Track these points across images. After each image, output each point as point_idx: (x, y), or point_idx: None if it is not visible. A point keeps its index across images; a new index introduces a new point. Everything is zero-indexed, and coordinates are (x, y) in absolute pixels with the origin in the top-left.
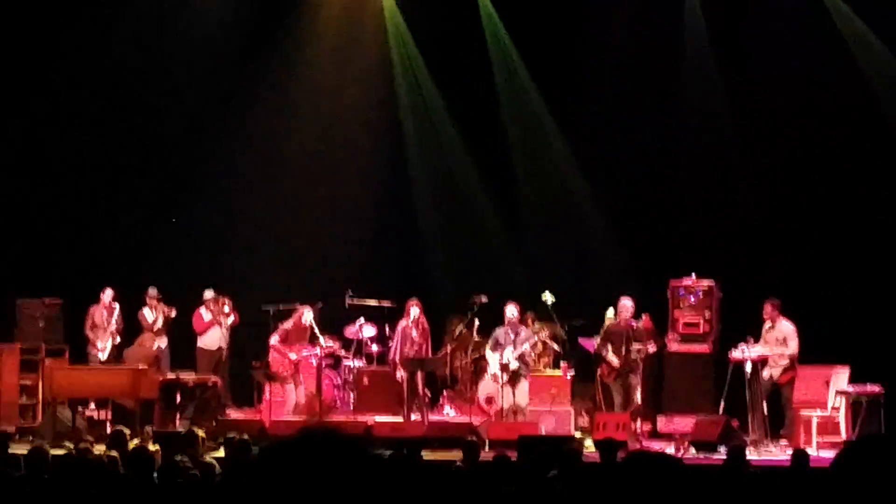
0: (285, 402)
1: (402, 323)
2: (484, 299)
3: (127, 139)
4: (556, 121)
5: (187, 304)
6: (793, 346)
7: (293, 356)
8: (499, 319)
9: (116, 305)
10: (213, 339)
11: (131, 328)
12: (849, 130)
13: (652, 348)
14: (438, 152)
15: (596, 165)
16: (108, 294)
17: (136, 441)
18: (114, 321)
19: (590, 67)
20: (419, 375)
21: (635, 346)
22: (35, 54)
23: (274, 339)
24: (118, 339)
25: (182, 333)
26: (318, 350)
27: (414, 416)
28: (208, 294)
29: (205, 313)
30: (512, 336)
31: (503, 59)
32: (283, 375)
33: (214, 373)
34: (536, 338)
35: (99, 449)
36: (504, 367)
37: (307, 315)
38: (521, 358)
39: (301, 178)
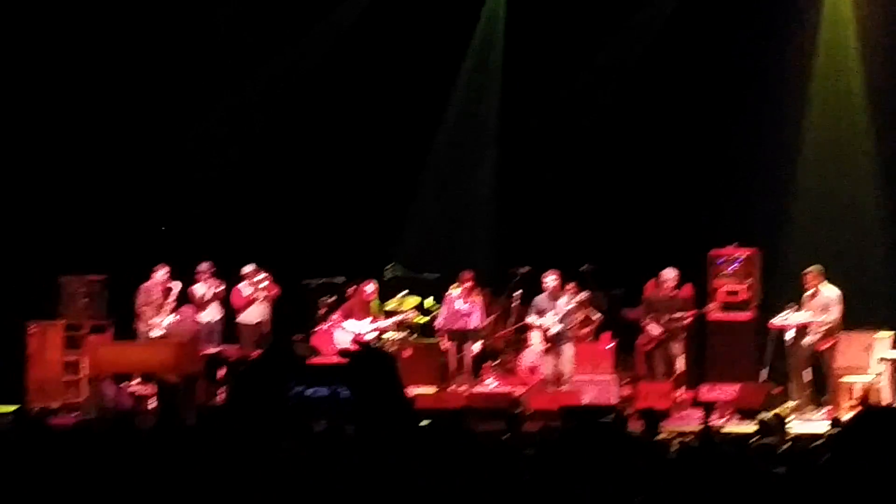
0: None
1: (451, 293)
2: (525, 269)
3: (164, 112)
4: (596, 88)
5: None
6: (834, 313)
7: (358, 329)
8: (540, 290)
9: (177, 284)
10: (253, 314)
11: (181, 303)
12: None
13: (688, 319)
14: (477, 124)
15: (636, 135)
16: (161, 272)
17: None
18: (171, 298)
19: (633, 37)
20: (467, 346)
21: (676, 315)
22: (77, 24)
23: (335, 316)
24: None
25: (228, 307)
26: (390, 321)
27: (459, 388)
28: (247, 269)
29: (244, 288)
30: (553, 304)
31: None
32: (328, 353)
33: (257, 347)
34: (577, 299)
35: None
36: (546, 335)
37: (371, 287)
38: (562, 321)
39: (343, 150)
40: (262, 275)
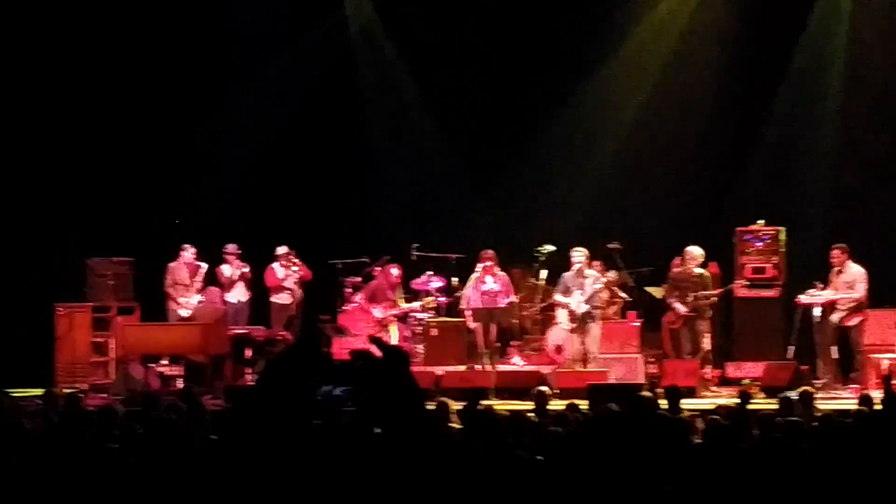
0: None
1: (475, 273)
2: (551, 248)
3: (188, 96)
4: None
5: (255, 261)
6: (860, 290)
7: (378, 314)
8: (566, 268)
9: (204, 265)
10: (284, 295)
11: (207, 284)
12: None
13: (714, 297)
14: (501, 99)
15: (662, 111)
16: (189, 252)
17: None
18: (199, 278)
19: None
20: (492, 326)
21: (702, 293)
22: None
23: (359, 298)
24: (203, 298)
25: (262, 288)
26: (412, 305)
27: (481, 368)
28: (281, 250)
29: (278, 269)
30: (580, 281)
31: None
32: (355, 332)
33: (287, 327)
34: (605, 279)
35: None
36: (572, 313)
37: (396, 271)
38: (590, 301)
39: (367, 131)
40: (295, 257)
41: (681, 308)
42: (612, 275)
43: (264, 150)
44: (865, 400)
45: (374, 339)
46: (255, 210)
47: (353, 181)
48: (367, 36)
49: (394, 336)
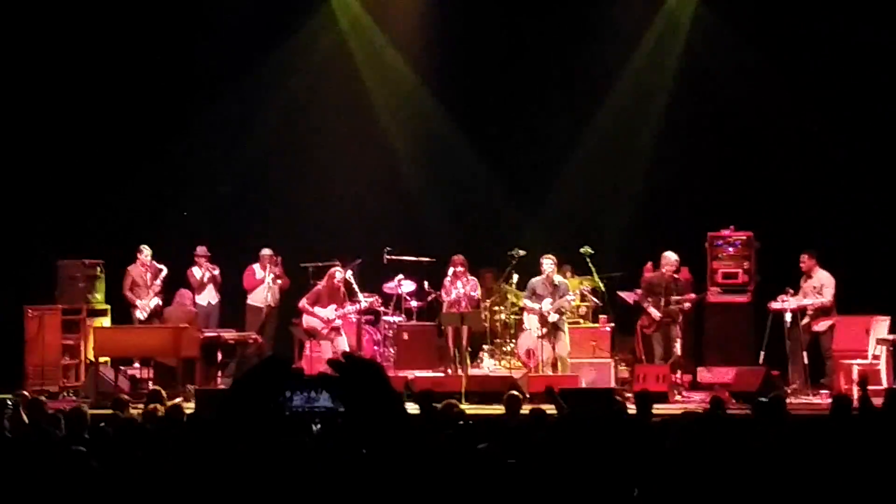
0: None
1: (446, 279)
2: (522, 253)
3: (164, 99)
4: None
5: (230, 264)
6: (828, 295)
7: (326, 315)
8: (537, 273)
9: (163, 267)
10: (261, 296)
11: (177, 286)
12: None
13: (688, 304)
14: (471, 103)
15: (636, 119)
16: (145, 253)
17: (178, 399)
18: (159, 281)
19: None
20: (464, 330)
21: (675, 298)
22: (73, 18)
23: (302, 302)
24: (160, 300)
25: (231, 290)
26: (353, 307)
27: (452, 372)
28: (266, 252)
29: (258, 270)
30: (549, 289)
31: None
32: (320, 333)
33: (261, 330)
34: (577, 293)
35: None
36: (542, 319)
37: (339, 275)
38: (559, 311)
39: (339, 135)
40: (278, 261)
41: (655, 312)
42: (586, 287)
43: (249, 153)
44: (839, 403)
45: (347, 356)
46: (241, 213)
47: (330, 184)
48: (357, 32)
49: (342, 341)
